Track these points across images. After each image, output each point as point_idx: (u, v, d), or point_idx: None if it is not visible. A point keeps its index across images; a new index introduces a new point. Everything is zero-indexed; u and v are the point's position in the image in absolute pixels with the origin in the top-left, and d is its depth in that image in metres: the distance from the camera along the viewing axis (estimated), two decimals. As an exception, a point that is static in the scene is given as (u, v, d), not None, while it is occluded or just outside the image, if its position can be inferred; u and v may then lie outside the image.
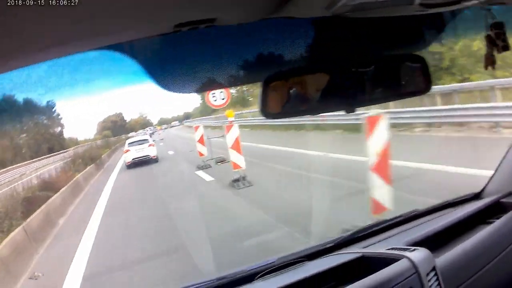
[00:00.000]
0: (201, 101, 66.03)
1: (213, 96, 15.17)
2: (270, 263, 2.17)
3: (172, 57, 1.16)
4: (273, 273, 2.07)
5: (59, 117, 60.86)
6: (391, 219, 2.51)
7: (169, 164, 20.66)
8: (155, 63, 1.14)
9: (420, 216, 2.51)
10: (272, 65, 1.30)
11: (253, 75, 1.30)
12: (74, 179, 19.08)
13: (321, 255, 2.23)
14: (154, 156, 21.12)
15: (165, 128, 76.32)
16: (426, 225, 2.36)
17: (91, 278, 6.66)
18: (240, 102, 46.22)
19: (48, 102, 42.31)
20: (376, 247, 2.14)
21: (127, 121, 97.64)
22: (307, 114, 1.40)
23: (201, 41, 1.17)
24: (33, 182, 18.97)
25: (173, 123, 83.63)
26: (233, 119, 12.51)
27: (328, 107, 1.34)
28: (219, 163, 14.83)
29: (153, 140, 25.03)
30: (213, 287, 2.12)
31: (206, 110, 58.50)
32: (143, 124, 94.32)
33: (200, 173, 15.02)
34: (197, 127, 16.33)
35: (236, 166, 10.95)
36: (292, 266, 2.10)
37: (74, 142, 66.87)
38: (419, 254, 1.80)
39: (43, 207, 12.65)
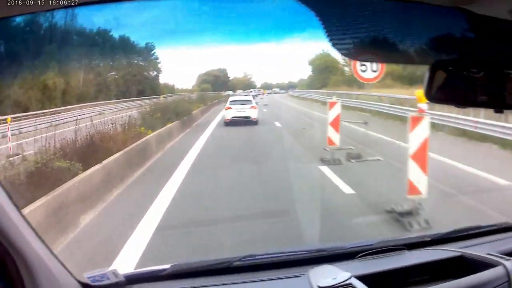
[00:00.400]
0: (311, 73, 57.59)
1: (362, 66, 13.62)
2: (369, 245, 2.29)
3: (354, 21, 1.16)
4: (373, 255, 2.20)
5: (157, 60, 54.18)
6: (485, 226, 2.60)
7: (277, 142, 16.25)
8: (335, 21, 1.15)
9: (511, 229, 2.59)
10: (441, 51, 1.29)
11: (421, 56, 1.30)
12: (143, 140, 13.39)
13: (418, 247, 2.37)
14: (255, 119, 20.70)
15: (269, 93, 72.64)
16: None
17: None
18: (401, 79, 35.17)
19: (147, 44, 39.07)
20: (473, 249, 2.17)
21: (230, 78, 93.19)
22: (465, 106, 1.46)
23: (391, 13, 1.18)
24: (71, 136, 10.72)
25: (276, 90, 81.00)
26: (425, 107, 7.74)
27: (482, 103, 1.31)
28: (352, 160, 10.89)
29: (256, 103, 24.75)
30: (312, 258, 2.29)
31: (314, 84, 51.26)
32: (247, 84, 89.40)
33: (327, 171, 10.23)
34: (333, 104, 12.16)
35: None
36: (391, 253, 2.23)
37: (169, 89, 60.75)
38: None
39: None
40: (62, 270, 1.81)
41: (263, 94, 61.21)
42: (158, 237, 6.08)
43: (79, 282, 1.91)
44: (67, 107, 32.33)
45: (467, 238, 2.50)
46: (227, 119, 21.55)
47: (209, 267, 2.24)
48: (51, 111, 27.99)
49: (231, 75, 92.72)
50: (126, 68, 51.37)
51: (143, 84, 53.57)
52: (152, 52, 54.60)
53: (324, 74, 50.84)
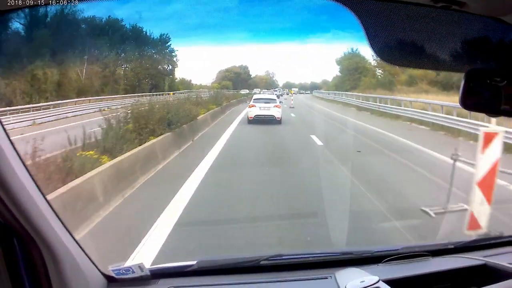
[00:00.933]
0: (339, 74, 53.35)
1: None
2: (395, 250, 2.36)
3: (395, 26, 1.20)
4: (399, 261, 2.25)
5: (173, 53, 49.70)
6: (507, 236, 2.61)
7: (334, 193, 8.22)
8: (380, 28, 1.18)
9: None
10: (477, 60, 1.31)
11: (456, 63, 1.31)
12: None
13: (442, 254, 2.39)
14: (279, 118, 20.65)
15: (295, 93, 69.81)
16: None
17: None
18: (436, 84, 33.04)
19: (161, 35, 37.69)
20: (496, 258, 2.19)
21: (251, 76, 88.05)
22: (498, 115, 1.38)
23: (438, 21, 1.21)
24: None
25: (301, 90, 77.70)
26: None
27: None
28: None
29: (280, 102, 24.43)
30: (338, 260, 2.34)
31: (342, 85, 48.66)
32: (268, 83, 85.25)
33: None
34: (490, 137, 5.81)
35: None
36: (417, 258, 2.28)
37: (186, 85, 56.32)
38: None
39: None
40: (87, 262, 1.87)
41: (288, 94, 57.66)
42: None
43: (104, 274, 1.97)
44: (61, 101, 28.26)
45: (490, 247, 2.52)
46: (251, 117, 21.26)
47: (236, 265, 2.26)
48: (34, 107, 23.69)
49: (253, 72, 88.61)
50: (138, 60, 47.45)
51: (156, 78, 49.44)
52: (168, 44, 50.24)
53: (354, 75, 45.81)
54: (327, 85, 76.07)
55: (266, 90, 56.21)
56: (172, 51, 49.71)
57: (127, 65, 45.91)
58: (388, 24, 1.21)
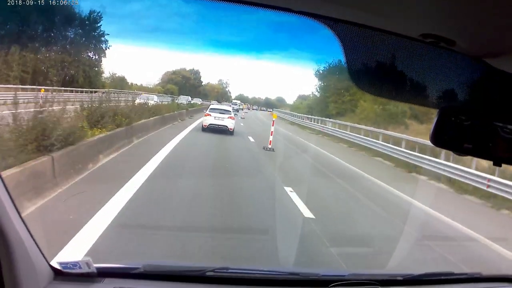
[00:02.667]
0: (317, 92, 42.27)
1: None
2: (342, 276, 2.32)
3: (377, 55, 1.20)
4: (346, 287, 2.20)
5: (102, 38, 40.06)
6: (457, 274, 2.71)
7: None
8: (360, 54, 1.18)
9: (482, 280, 2.65)
10: (453, 97, 1.32)
11: (430, 100, 1.31)
12: None
13: (390, 285, 2.37)
14: (231, 129, 21.66)
15: (255, 109, 69.41)
16: None
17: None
18: None
19: (92, 12, 32.58)
20: None
21: (202, 83, 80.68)
22: (468, 155, 1.33)
23: (422, 56, 1.22)
24: None
25: (256, 107, 74.34)
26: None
27: (486, 154, 1.30)
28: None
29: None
30: (285, 280, 2.33)
31: (322, 108, 39.50)
32: (221, 94, 79.56)
33: None
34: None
35: None
36: (365, 287, 2.24)
37: (117, 83, 43.63)
38: None
39: None
40: (38, 254, 1.85)
41: (244, 109, 52.26)
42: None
43: (51, 267, 1.95)
44: None
45: (439, 283, 2.56)
46: (205, 125, 21.72)
47: (181, 273, 2.24)
48: None
49: (205, 79, 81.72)
50: (48, 40, 34.79)
51: (73, 68, 36.71)
52: (97, 25, 37.24)
53: (343, 97, 34.64)
54: (284, 105, 72.22)
55: (226, 103, 52.14)
56: (102, 34, 37.32)
57: (30, 44, 33.05)
58: (369, 50, 1.18)
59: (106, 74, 45.52)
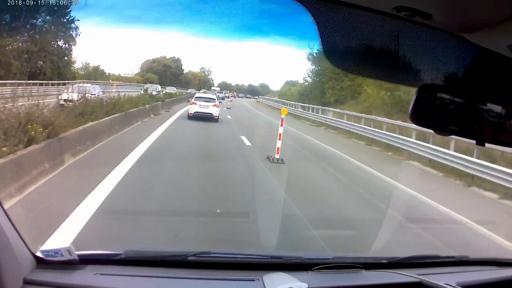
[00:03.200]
0: (309, 77, 39.10)
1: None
2: (325, 259, 2.32)
3: (351, 31, 1.18)
4: (329, 270, 2.20)
5: (72, 25, 36.60)
6: (444, 257, 2.63)
7: None
8: (335, 31, 1.16)
9: (469, 263, 2.61)
10: (431, 75, 1.30)
11: (410, 77, 1.31)
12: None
13: (375, 268, 2.33)
14: (216, 116, 21.90)
15: (240, 96, 66.99)
16: (476, 274, 2.49)
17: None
18: None
19: None
20: (430, 278, 2.14)
21: (184, 71, 76.80)
22: (446, 133, 1.34)
23: (398, 31, 1.20)
24: None
25: (242, 94, 71.79)
26: None
27: (464, 132, 1.29)
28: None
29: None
30: (267, 264, 2.31)
31: (315, 96, 36.53)
32: (203, 81, 76.20)
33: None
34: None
35: None
36: (348, 270, 2.22)
37: (90, 74, 39.96)
38: None
39: None
40: (19, 242, 1.87)
41: (230, 97, 48.01)
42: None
43: (34, 255, 1.96)
44: None
45: (425, 266, 2.51)
46: (191, 113, 21.94)
47: (163, 258, 2.23)
48: None
49: (186, 67, 78.31)
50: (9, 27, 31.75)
51: (40, 58, 33.02)
52: (67, 10, 33.94)
53: (342, 82, 30.93)
54: (269, 91, 71.14)
55: (207, 91, 49.82)
56: (71, 20, 33.59)
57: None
58: (344, 28, 1.15)
59: (78, 64, 41.68)
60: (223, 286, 2.16)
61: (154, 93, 32.36)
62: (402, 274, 2.19)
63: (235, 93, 64.42)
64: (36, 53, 31.79)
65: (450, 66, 1.31)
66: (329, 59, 1.21)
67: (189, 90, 53.75)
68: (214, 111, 21.84)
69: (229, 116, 25.13)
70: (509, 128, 1.27)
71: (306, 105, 32.00)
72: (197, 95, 24.61)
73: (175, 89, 51.77)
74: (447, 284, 2.02)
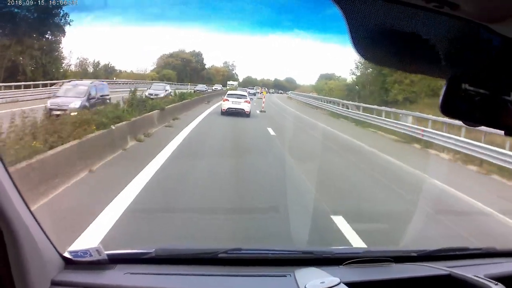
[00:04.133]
0: (360, 66, 32.67)
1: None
2: (356, 253, 2.29)
3: (383, 26, 1.13)
4: (360, 264, 2.17)
5: (59, 10, 29.38)
6: (472, 249, 2.61)
7: None
8: (364, 24, 1.12)
9: (497, 255, 2.59)
10: (458, 66, 1.23)
11: (437, 69, 1.24)
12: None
13: (404, 261, 2.32)
14: (248, 111, 22.89)
15: (271, 92, 64.79)
16: (503, 265, 2.45)
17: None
18: None
19: None
20: (459, 270, 2.12)
21: (206, 66, 70.53)
22: (478, 124, 1.23)
23: (426, 23, 1.14)
24: None
25: (272, 90, 68.59)
26: None
27: (495, 124, 1.21)
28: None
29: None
30: (298, 259, 2.28)
31: (370, 91, 30.56)
32: (227, 76, 71.60)
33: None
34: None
35: None
36: (379, 263, 2.21)
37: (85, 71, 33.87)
38: None
39: None
40: (46, 243, 1.83)
41: (264, 95, 39.76)
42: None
43: (62, 256, 1.93)
44: None
45: (453, 259, 2.48)
46: (224, 109, 22.97)
47: (194, 256, 2.22)
48: None
49: (208, 62, 72.81)
50: None
51: (21, 55, 26.35)
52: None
53: (411, 75, 21.34)
54: (296, 86, 68.56)
55: (243, 88, 46.62)
56: (57, 6, 26.73)
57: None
58: (372, 20, 1.11)
59: (73, 59, 34.85)
60: (255, 283, 2.10)
61: (161, 94, 24.96)
62: (431, 266, 2.20)
63: (266, 89, 59.27)
64: (11, 48, 24.83)
65: (478, 57, 1.21)
66: (358, 51, 1.14)
67: (215, 87, 52.36)
68: (246, 106, 23.06)
69: (271, 132, 15.89)
70: None
71: (366, 105, 23.85)
72: (229, 92, 25.98)
73: (205, 86, 46.14)
74: (476, 276, 2.01)
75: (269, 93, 59.35)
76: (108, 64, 50.65)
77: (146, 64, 69.42)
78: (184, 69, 61.23)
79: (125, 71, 53.37)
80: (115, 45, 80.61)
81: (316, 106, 34.98)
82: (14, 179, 2.01)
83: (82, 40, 71.53)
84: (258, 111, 25.56)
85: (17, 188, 1.69)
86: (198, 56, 68.07)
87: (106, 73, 47.94)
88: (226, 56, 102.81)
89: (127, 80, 37.81)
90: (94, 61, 42.55)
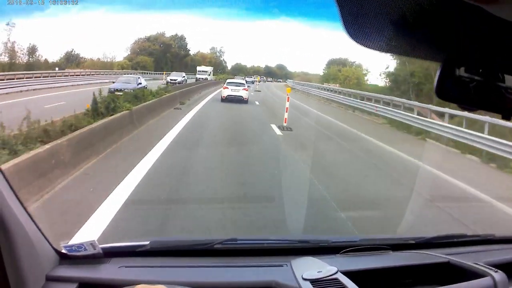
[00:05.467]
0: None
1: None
2: (353, 241, 2.33)
3: (374, 8, 1.10)
4: (357, 252, 2.19)
5: None
6: (470, 236, 2.62)
7: None
8: (356, 8, 1.09)
9: (496, 241, 2.59)
10: (453, 49, 1.19)
11: (432, 52, 1.23)
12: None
13: (402, 248, 2.33)
14: (246, 98, 24.24)
15: (270, 80, 62.16)
16: (502, 252, 2.45)
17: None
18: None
19: None
20: (458, 257, 2.14)
21: (190, 51, 61.21)
22: (474, 107, 1.23)
23: (417, 4, 1.11)
24: None
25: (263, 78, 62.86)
26: None
27: (492, 106, 1.20)
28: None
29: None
30: (295, 248, 2.27)
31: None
32: (214, 64, 61.77)
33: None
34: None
35: None
36: (376, 251, 2.22)
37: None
38: (501, 277, 1.88)
39: None
40: (40, 238, 1.83)
41: (258, 81, 49.18)
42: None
43: (57, 251, 1.92)
44: None
45: (452, 246, 2.49)
46: (224, 96, 24.24)
47: (189, 247, 2.21)
48: None
49: (193, 48, 66.82)
50: None
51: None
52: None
53: None
54: (288, 73, 65.29)
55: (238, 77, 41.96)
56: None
57: None
58: (365, 4, 1.09)
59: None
60: (251, 273, 2.07)
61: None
62: (429, 254, 2.20)
63: (264, 77, 60.17)
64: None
65: (472, 40, 1.16)
66: (350, 35, 1.11)
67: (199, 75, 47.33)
68: (244, 94, 24.56)
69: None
70: None
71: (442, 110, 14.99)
72: (228, 80, 27.71)
73: (183, 75, 38.72)
74: (475, 263, 2.02)
75: (268, 81, 59.39)
76: (71, 52, 41.78)
77: (119, 49, 59.31)
78: (164, 55, 51.81)
79: (91, 59, 44.06)
80: (82, 29, 70.00)
81: (338, 104, 26.64)
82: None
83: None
84: (252, 92, 29.91)
85: (10, 185, 1.72)
86: (181, 40, 58.83)
87: (68, 61, 39.42)
88: (214, 41, 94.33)
89: (79, 71, 28.62)
90: (29, 46, 32.72)
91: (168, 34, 55.95)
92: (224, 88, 24.98)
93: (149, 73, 38.79)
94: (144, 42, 50.88)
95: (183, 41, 58.38)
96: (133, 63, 44.71)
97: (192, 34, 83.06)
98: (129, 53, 49.83)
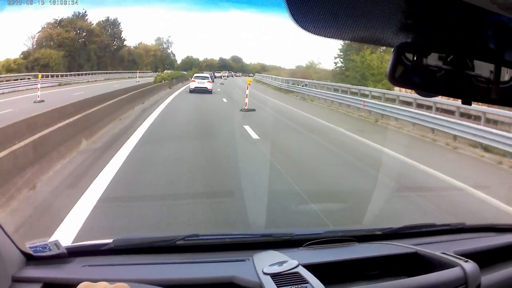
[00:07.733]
0: None
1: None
2: (317, 234, 2.26)
3: None
4: (321, 245, 2.15)
5: None
6: (439, 225, 2.59)
7: None
8: None
9: (466, 230, 2.58)
10: (409, 33, 1.19)
11: (387, 37, 1.20)
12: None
13: (369, 240, 2.29)
14: (210, 89, 28.79)
15: (238, 75, 60.85)
16: (473, 241, 2.44)
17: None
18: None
19: None
20: (426, 247, 2.12)
21: (125, 43, 46.98)
22: (428, 92, 1.25)
23: None
24: None
25: (227, 73, 60.22)
26: None
27: (448, 91, 1.21)
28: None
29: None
30: (257, 242, 2.22)
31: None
32: (160, 58, 53.00)
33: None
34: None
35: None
36: (341, 243, 2.18)
37: None
38: (471, 267, 1.85)
39: None
40: (6, 240, 1.83)
41: (223, 76, 51.87)
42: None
43: (22, 252, 1.92)
44: None
45: (420, 236, 2.47)
46: (191, 88, 28.78)
47: (151, 245, 2.18)
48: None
49: (132, 38, 57.11)
50: None
51: None
52: None
53: None
54: (244, 65, 65.82)
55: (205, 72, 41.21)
56: None
57: None
58: None
59: None
60: (213, 269, 2.04)
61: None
62: (396, 245, 2.19)
63: (232, 73, 61.09)
64: None
65: (430, 22, 1.18)
66: (297, 22, 1.07)
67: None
68: (209, 85, 29.33)
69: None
70: (496, 86, 1.19)
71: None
72: (196, 75, 32.59)
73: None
74: (444, 253, 2.00)
75: (237, 76, 59.74)
76: None
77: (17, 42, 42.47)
78: (84, 47, 35.77)
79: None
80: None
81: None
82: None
83: None
84: (218, 83, 37.01)
85: None
86: (113, 27, 43.19)
87: None
88: (160, 32, 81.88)
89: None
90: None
91: (94, 18, 40.41)
92: (192, 81, 30.18)
93: (57, 76, 23.37)
94: (53, 28, 34.68)
95: (116, 27, 43.03)
96: (30, 61, 28.74)
97: (131, 21, 69.19)
98: (32, 46, 33.62)
